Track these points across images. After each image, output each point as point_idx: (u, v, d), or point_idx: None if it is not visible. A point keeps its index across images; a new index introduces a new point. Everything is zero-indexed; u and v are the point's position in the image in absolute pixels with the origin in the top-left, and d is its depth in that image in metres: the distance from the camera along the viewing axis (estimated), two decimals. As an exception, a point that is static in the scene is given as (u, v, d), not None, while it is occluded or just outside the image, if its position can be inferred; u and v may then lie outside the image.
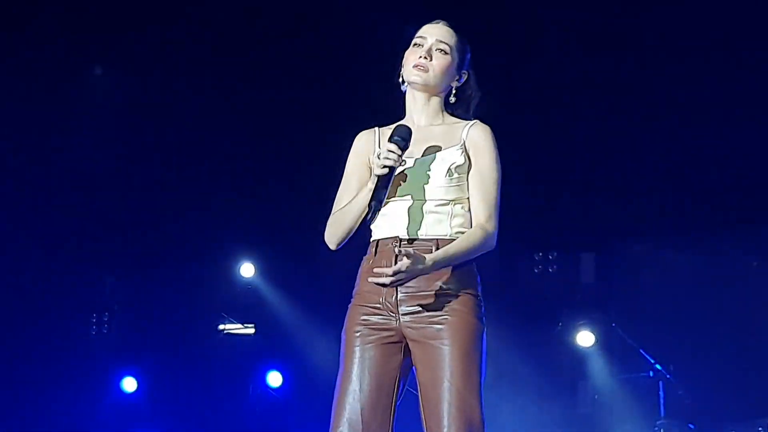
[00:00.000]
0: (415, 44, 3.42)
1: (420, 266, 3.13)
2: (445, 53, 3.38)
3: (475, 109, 3.50)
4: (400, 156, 3.19)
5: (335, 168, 3.50)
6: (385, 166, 3.18)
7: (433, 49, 3.38)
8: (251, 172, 8.57)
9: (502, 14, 7.55)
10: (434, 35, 3.40)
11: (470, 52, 3.47)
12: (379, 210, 3.22)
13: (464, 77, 3.46)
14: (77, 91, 8.41)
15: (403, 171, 3.27)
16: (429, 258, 3.15)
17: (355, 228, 3.37)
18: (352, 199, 3.34)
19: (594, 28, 7.50)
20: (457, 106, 3.47)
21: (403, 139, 3.21)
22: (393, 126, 3.42)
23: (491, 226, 3.29)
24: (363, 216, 3.30)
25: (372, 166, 3.27)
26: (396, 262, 3.19)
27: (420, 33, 3.43)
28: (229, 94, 8.29)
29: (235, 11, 7.91)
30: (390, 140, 3.22)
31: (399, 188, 3.29)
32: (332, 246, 3.42)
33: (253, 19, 7.98)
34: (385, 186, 3.21)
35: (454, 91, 3.44)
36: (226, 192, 8.63)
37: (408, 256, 3.09)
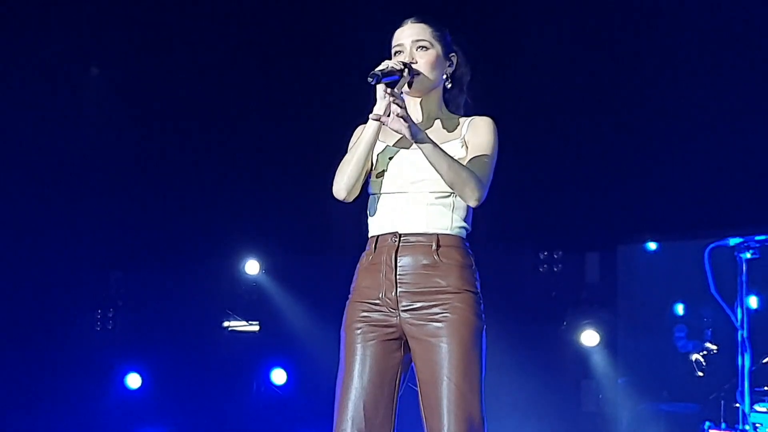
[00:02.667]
0: (395, 53, 3.38)
1: (412, 125, 3.13)
2: (427, 48, 3.35)
3: (470, 88, 3.49)
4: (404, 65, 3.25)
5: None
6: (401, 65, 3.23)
7: (414, 49, 3.34)
8: (257, 170, 8.58)
9: (510, 11, 7.55)
10: (409, 37, 3.36)
11: (449, 33, 3.44)
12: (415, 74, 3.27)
13: (454, 60, 3.43)
14: (82, 84, 8.42)
15: (403, 164, 3.26)
16: (421, 130, 3.17)
17: (365, 168, 3.31)
18: (359, 139, 3.32)
19: (597, 26, 7.49)
20: (453, 87, 3.45)
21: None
22: None
23: (483, 188, 3.24)
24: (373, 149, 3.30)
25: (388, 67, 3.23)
26: (396, 260, 3.21)
27: (395, 42, 3.39)
28: (234, 91, 8.29)
29: (237, 8, 7.93)
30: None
31: (398, 182, 3.28)
32: (341, 194, 3.30)
33: (254, 17, 7.99)
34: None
35: (446, 77, 3.41)
36: (232, 189, 8.64)
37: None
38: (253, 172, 8.59)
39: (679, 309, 8.51)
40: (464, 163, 3.26)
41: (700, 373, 6.34)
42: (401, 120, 3.12)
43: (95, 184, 8.60)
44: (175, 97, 8.31)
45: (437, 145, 3.19)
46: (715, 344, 6.98)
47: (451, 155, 3.24)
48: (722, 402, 6.47)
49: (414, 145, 3.27)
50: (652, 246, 8.76)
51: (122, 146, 8.57)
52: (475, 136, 3.33)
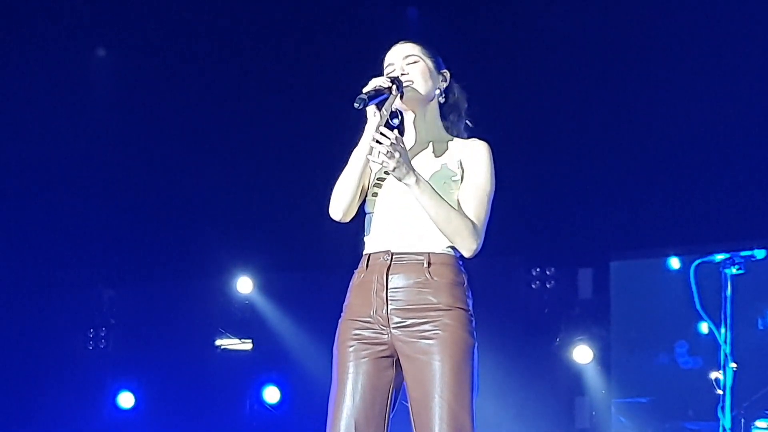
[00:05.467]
0: (387, 74, 3.42)
1: (405, 162, 3.12)
2: (417, 62, 3.40)
3: (468, 113, 3.50)
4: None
5: (334, 182, 3.49)
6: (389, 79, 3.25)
7: (404, 65, 3.39)
8: (249, 186, 8.57)
9: (501, 20, 7.58)
10: (399, 56, 3.42)
11: (440, 56, 3.48)
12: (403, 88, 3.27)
13: (447, 76, 3.47)
14: (75, 104, 8.43)
15: (397, 183, 3.24)
16: (415, 174, 3.16)
17: (359, 188, 3.34)
18: (353, 161, 3.33)
19: (594, 37, 7.51)
20: (449, 111, 3.48)
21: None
22: None
23: (477, 237, 3.27)
24: (368, 167, 3.29)
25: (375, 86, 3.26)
26: (387, 278, 3.21)
27: (386, 62, 3.44)
28: (225, 106, 8.30)
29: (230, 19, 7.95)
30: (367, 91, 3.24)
31: (392, 201, 3.29)
32: (338, 215, 3.35)
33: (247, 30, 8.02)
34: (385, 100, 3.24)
35: (440, 92, 3.43)
36: (224, 206, 8.63)
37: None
38: (245, 189, 8.59)
39: (703, 328, 8.49)
40: (460, 191, 3.27)
41: (720, 391, 6.37)
42: (389, 161, 3.11)
43: (87, 203, 8.59)
44: (164, 115, 8.32)
45: (428, 187, 3.19)
46: (734, 362, 7.00)
47: (447, 177, 3.27)
48: (742, 420, 6.48)
49: (411, 162, 3.29)
50: (675, 264, 8.71)
51: (113, 163, 8.56)
52: (472, 165, 3.33)
